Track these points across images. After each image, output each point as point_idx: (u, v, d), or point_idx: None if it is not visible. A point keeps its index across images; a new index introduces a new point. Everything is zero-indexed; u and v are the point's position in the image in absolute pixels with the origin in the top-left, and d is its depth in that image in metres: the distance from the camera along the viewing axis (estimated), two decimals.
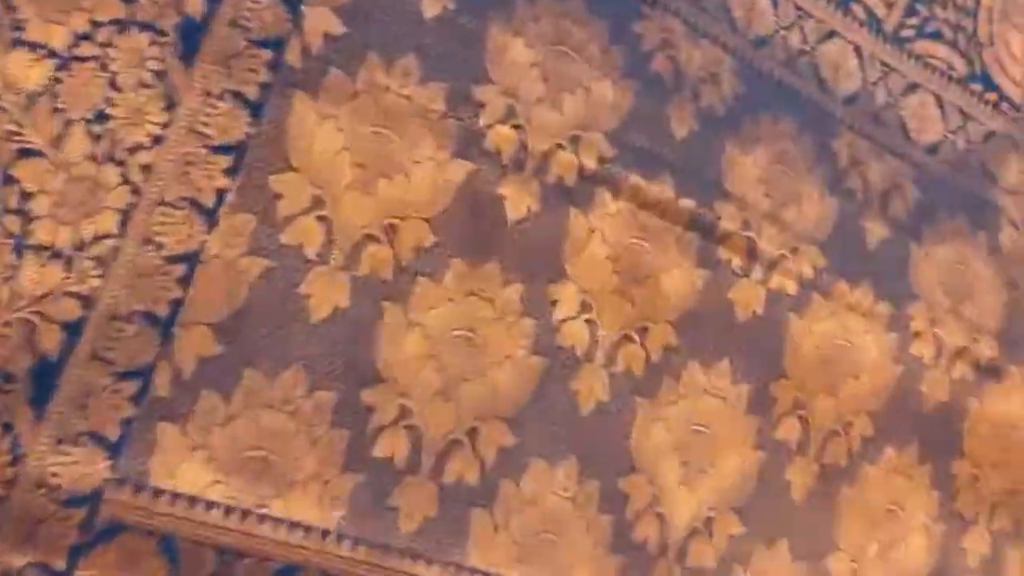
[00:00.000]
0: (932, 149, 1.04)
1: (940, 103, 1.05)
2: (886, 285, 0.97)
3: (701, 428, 0.87)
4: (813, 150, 0.94)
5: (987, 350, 1.02)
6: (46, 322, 0.64)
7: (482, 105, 0.78)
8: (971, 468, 1.01)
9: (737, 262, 0.89)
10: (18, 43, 0.65)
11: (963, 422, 1.01)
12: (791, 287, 0.92)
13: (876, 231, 0.97)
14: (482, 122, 0.78)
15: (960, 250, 1.03)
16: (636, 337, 0.85)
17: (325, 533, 0.71)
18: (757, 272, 0.90)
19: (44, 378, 0.63)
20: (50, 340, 0.64)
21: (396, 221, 0.76)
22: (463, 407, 0.77)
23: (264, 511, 0.69)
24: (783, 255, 0.91)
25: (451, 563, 0.75)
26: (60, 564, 0.63)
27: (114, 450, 0.65)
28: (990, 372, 1.02)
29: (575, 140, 0.82)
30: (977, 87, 1.08)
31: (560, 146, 0.81)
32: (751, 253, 0.90)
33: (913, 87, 1.03)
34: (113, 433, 0.65)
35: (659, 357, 0.86)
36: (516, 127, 0.80)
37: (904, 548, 0.97)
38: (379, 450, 0.74)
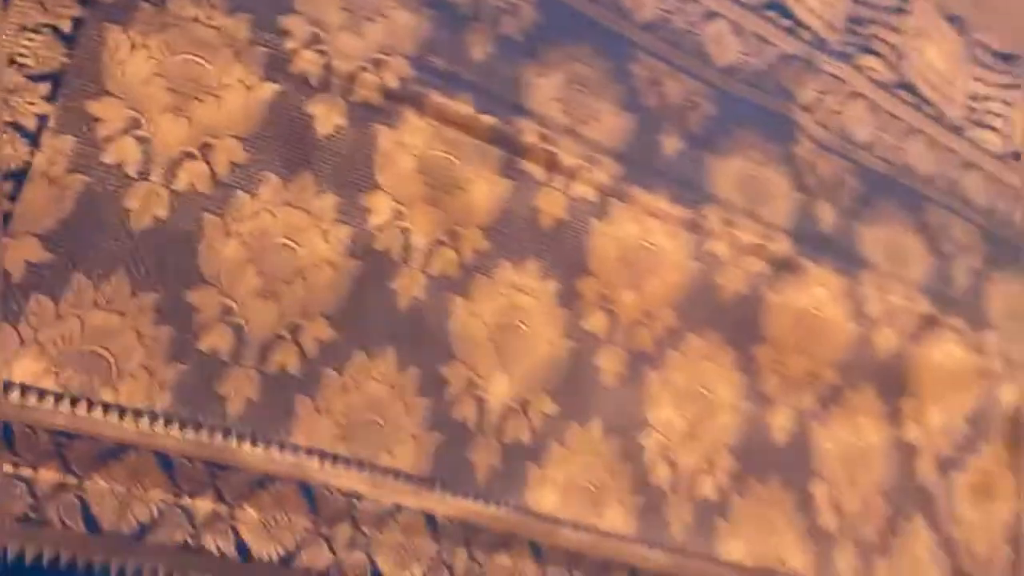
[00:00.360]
0: (729, 70, 1.16)
1: (738, 30, 1.17)
2: (682, 191, 1.09)
3: (513, 321, 0.98)
4: (610, 72, 1.06)
5: (781, 247, 1.15)
6: None
7: (287, 32, 0.88)
8: (773, 353, 1.15)
9: (539, 172, 1.00)
10: None
11: (761, 312, 1.14)
12: (591, 194, 1.03)
13: (672, 143, 1.09)
14: (287, 47, 0.88)
15: (755, 159, 1.16)
16: (448, 242, 0.96)
17: (154, 416, 0.80)
18: (558, 181, 1.01)
19: None
20: None
21: (211, 140, 0.85)
22: (284, 306, 0.87)
23: (94, 398, 0.78)
24: (582, 165, 1.02)
25: (276, 442, 0.85)
26: None
27: None
28: (785, 267, 1.16)
29: (378, 63, 0.92)
30: (773, 14, 1.20)
31: (363, 68, 0.91)
32: (551, 164, 1.01)
33: (711, 15, 1.15)
34: None
35: (471, 259, 0.97)
36: (320, 52, 0.89)
37: (712, 425, 1.09)
38: (204, 344, 0.83)
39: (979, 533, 1.28)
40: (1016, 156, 1.46)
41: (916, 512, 1.23)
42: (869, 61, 1.33)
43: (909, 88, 1.36)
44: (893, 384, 1.24)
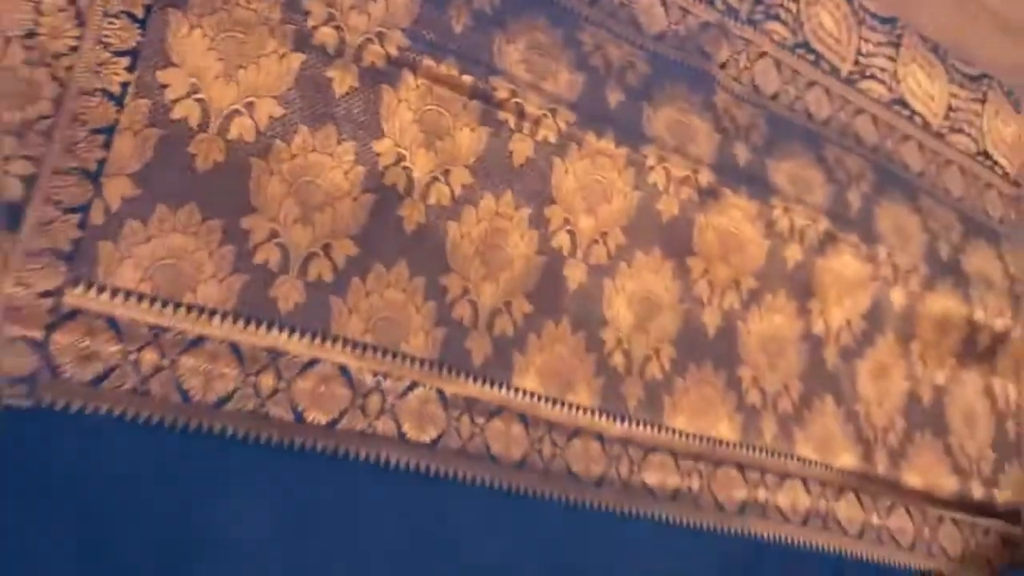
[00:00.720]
0: (659, 36, 1.41)
1: (664, 2, 1.42)
2: (625, 135, 1.33)
3: (496, 241, 1.21)
4: (563, 39, 1.30)
5: (706, 178, 1.40)
6: (9, 176, 0.93)
7: (308, 12, 1.10)
8: (703, 264, 1.39)
9: (511, 120, 1.24)
10: None
11: (692, 231, 1.39)
12: (553, 138, 1.27)
13: (615, 96, 1.34)
14: (309, 25, 1.10)
15: (682, 108, 1.41)
16: (442, 178, 1.19)
17: (224, 314, 1.02)
18: (526, 128, 1.25)
19: (14, 214, 0.92)
20: (14, 189, 0.93)
21: (254, 99, 1.07)
22: (317, 229, 1.09)
23: (179, 300, 1.00)
24: (544, 114, 1.26)
25: (318, 334, 1.08)
26: (39, 335, 0.92)
27: (68, 259, 0.95)
28: (710, 194, 1.40)
29: (381, 35, 1.14)
30: None
31: (369, 40, 1.14)
32: (520, 114, 1.24)
33: None
34: (66, 246, 0.95)
35: (460, 192, 1.20)
36: (336, 27, 1.12)
37: (657, 321, 1.33)
38: (258, 259, 1.05)
39: (876, 408, 1.55)
40: (901, 102, 1.73)
41: (826, 392, 1.49)
42: (773, 26, 1.55)
43: (807, 48, 1.60)
44: (801, 288, 1.48)
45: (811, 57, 1.60)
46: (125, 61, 1.00)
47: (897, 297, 1.60)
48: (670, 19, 1.42)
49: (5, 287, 0.91)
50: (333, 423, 1.05)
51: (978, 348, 1.70)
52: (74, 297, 0.94)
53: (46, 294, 0.93)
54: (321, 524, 1.03)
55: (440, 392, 1.13)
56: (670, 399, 1.32)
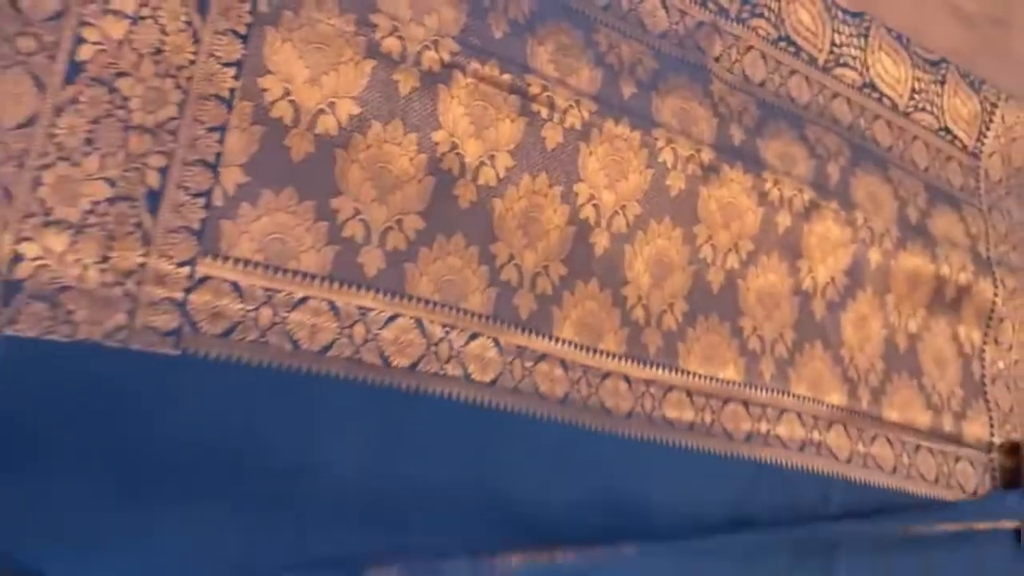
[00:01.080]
0: (663, 35, 1.63)
1: (664, 5, 1.65)
2: (638, 121, 1.54)
3: (534, 214, 1.43)
4: (583, 40, 1.51)
5: (707, 156, 1.62)
6: (148, 168, 1.13)
7: (375, 25, 1.31)
8: (707, 231, 1.60)
9: (543, 111, 1.46)
10: (107, 11, 1.14)
11: (697, 202, 1.61)
12: (578, 125, 1.48)
13: (629, 88, 1.56)
14: (377, 36, 1.31)
15: (685, 96, 1.63)
16: (488, 162, 1.41)
17: (323, 279, 1.23)
18: (556, 117, 1.46)
19: (154, 199, 1.13)
20: (152, 179, 1.14)
21: (335, 100, 1.28)
22: (391, 207, 1.29)
23: (285, 267, 1.21)
24: (570, 105, 1.47)
25: (396, 293, 1.29)
26: (180, 297, 1.13)
27: (198, 235, 1.15)
28: (711, 170, 1.62)
29: (435, 43, 1.36)
30: None
31: (426, 47, 1.35)
32: (551, 105, 1.45)
33: None
34: (196, 224, 1.15)
35: (503, 174, 1.41)
36: (399, 38, 1.33)
37: (670, 280, 1.56)
38: (346, 233, 1.26)
39: (859, 352, 1.78)
40: (871, 86, 1.96)
41: (815, 339, 1.72)
42: (758, 23, 1.73)
43: (788, 41, 1.79)
44: (791, 250, 1.69)
45: (792, 49, 1.82)
46: (232, 71, 1.21)
47: (874, 256, 1.83)
48: (671, 20, 1.64)
49: (151, 259, 1.12)
50: (413, 366, 1.26)
51: (945, 299, 1.94)
52: (205, 266, 1.15)
53: (183, 263, 1.14)
54: (404, 450, 1.24)
55: (496, 341, 1.35)
56: (684, 346, 1.54)
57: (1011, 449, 1.90)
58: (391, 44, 1.31)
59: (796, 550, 1.55)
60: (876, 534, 1.66)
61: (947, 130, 2.08)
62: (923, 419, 1.84)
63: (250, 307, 1.17)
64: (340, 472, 1.19)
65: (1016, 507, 1.78)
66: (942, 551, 1.71)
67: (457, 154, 1.36)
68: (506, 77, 1.40)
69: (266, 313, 1.17)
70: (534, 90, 1.43)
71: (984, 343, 2.00)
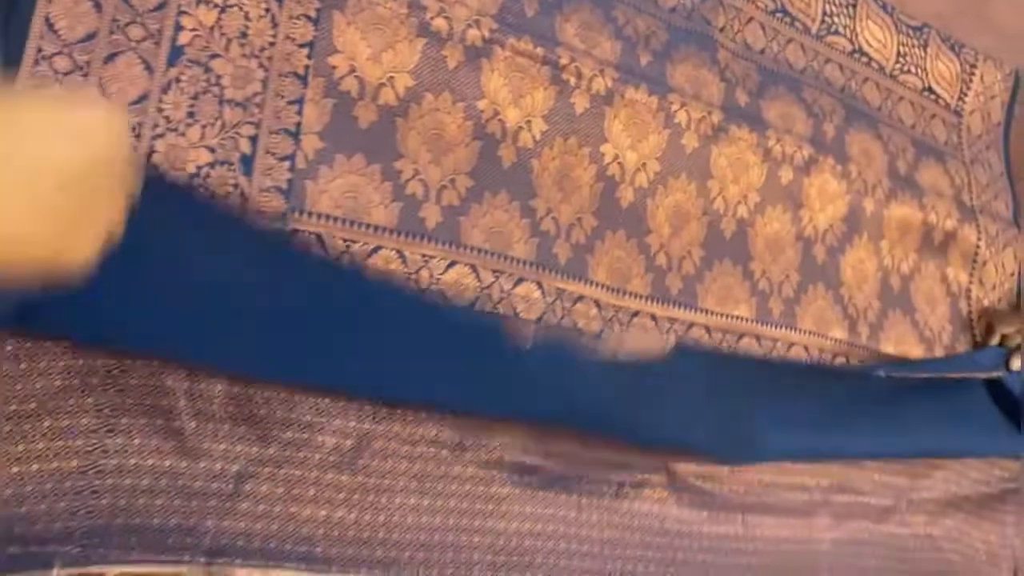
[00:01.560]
0: (672, 10, 1.81)
1: None
2: (655, 87, 1.72)
3: (567, 172, 1.61)
4: (603, 16, 1.69)
5: (716, 117, 1.80)
6: (241, 137, 1.31)
7: (425, 7, 1.48)
8: (718, 185, 1.79)
9: (572, 80, 1.63)
10: (200, 1, 1.31)
11: (708, 159, 1.79)
12: (603, 92, 1.65)
13: (645, 58, 1.74)
14: (427, 17, 1.48)
15: (694, 64, 1.80)
16: (525, 126, 1.58)
17: (390, 231, 1.41)
18: (583, 85, 1.64)
19: (247, 163, 1.30)
20: (245, 146, 1.31)
21: (394, 74, 1.45)
22: (444, 168, 1.47)
23: (359, 220, 1.38)
24: (595, 75, 1.65)
25: (453, 243, 1.47)
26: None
27: (286, 194, 1.33)
28: (721, 129, 1.79)
29: (477, 22, 1.53)
30: None
31: (469, 26, 1.52)
32: (578, 75, 1.63)
33: None
34: (284, 184, 1.33)
35: (539, 137, 1.59)
36: (446, 18, 1.50)
37: (688, 229, 1.75)
38: (408, 191, 1.43)
39: (857, 292, 1.97)
40: (860, 51, 2.14)
41: (818, 280, 1.90)
42: None
43: (784, 12, 1.96)
44: (793, 201, 1.89)
45: (787, 19, 1.99)
46: (306, 51, 1.38)
47: (868, 205, 2.00)
48: None
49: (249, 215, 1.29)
50: (471, 306, 1.44)
51: (934, 244, 2.13)
52: (293, 220, 1.32)
53: (275, 218, 1.31)
54: (473, 376, 1.42)
55: (539, 284, 1.52)
56: (702, 287, 1.72)
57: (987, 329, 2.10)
58: (439, 24, 1.48)
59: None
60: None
61: (930, 90, 2.26)
62: (917, 351, 2.03)
63: (332, 257, 1.34)
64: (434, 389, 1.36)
65: (987, 361, 1.95)
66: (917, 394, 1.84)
67: (499, 120, 1.54)
68: (539, 50, 1.57)
69: (345, 261, 1.35)
70: (563, 61, 1.60)
71: (970, 283, 2.19)
